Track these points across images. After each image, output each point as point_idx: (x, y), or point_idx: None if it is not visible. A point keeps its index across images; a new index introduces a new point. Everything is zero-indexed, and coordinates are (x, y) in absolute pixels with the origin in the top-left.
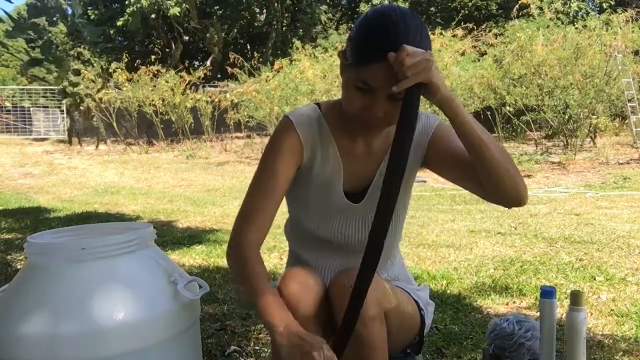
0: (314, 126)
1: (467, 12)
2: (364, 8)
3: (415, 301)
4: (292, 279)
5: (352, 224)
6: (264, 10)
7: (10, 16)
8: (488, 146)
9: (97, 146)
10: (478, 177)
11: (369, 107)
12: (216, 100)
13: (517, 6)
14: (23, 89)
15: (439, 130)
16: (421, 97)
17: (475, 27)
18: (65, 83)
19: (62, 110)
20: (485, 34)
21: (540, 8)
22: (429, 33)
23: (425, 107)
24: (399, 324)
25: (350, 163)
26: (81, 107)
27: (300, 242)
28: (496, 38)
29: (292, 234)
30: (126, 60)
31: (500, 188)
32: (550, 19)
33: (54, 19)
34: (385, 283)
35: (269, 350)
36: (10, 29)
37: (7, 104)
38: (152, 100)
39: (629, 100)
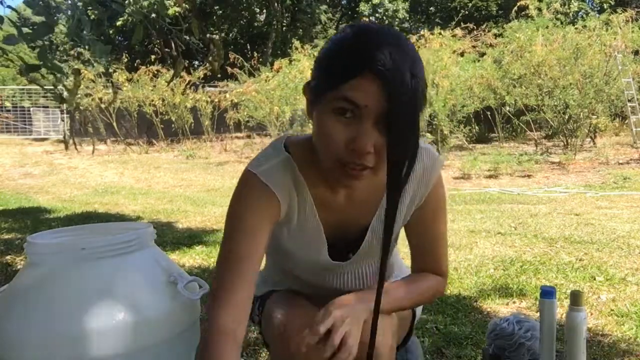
0: (287, 179)
1: (466, 12)
2: (363, 8)
3: None
4: (293, 330)
5: (344, 278)
6: (264, 10)
7: (16, 26)
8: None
9: (93, 152)
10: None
11: (356, 138)
12: (216, 100)
13: (515, 8)
14: (23, 89)
15: (439, 181)
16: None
17: (475, 27)
18: (61, 88)
19: (62, 110)
20: (485, 34)
21: (539, 9)
22: (429, 34)
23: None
24: (398, 331)
25: (333, 216)
26: (77, 114)
27: (287, 279)
28: (496, 38)
29: (276, 272)
30: (126, 60)
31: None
32: (549, 19)
33: (54, 18)
34: (393, 317)
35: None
36: (10, 34)
37: (7, 104)
38: (152, 100)
39: (629, 100)
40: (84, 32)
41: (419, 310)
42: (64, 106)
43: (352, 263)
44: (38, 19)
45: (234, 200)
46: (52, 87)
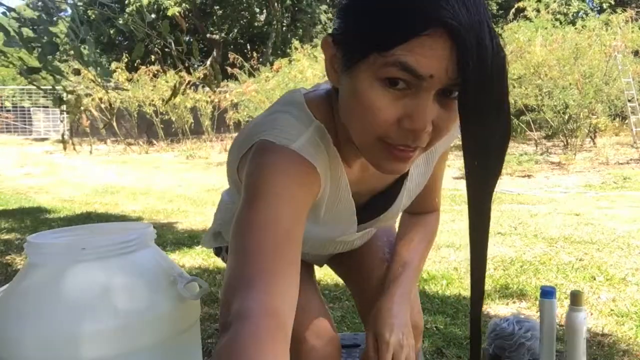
0: (324, 155)
1: None
2: None
3: None
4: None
5: (351, 243)
6: (264, 10)
7: (17, 32)
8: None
9: (90, 152)
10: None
11: (413, 115)
12: (216, 100)
13: (513, 10)
14: (23, 89)
15: (446, 153)
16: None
17: None
18: (60, 88)
19: (62, 111)
20: None
21: (538, 10)
22: None
23: None
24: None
25: (359, 187)
26: (78, 112)
27: None
28: None
29: None
30: (126, 60)
31: None
32: (548, 20)
33: (54, 18)
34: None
35: None
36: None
37: (7, 104)
38: (152, 100)
39: (629, 100)
40: (87, 51)
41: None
42: (64, 107)
43: (367, 225)
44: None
45: (265, 173)
46: (50, 88)
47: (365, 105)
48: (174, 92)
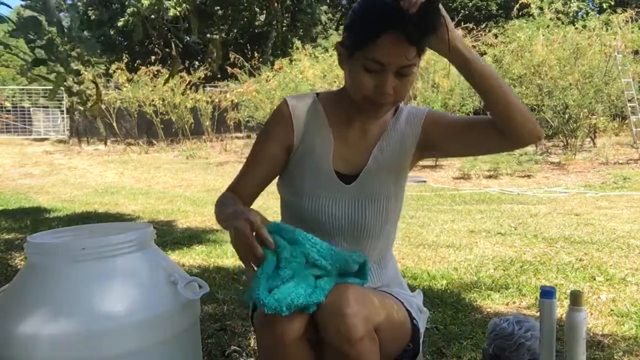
0: (309, 110)
1: (467, 12)
2: None
3: (407, 310)
4: None
5: (341, 204)
6: (264, 10)
7: (15, 24)
8: (502, 88)
9: (105, 143)
10: (487, 133)
11: (380, 85)
12: (216, 100)
13: (517, 6)
14: (23, 89)
15: (431, 116)
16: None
17: (475, 26)
18: (70, 82)
19: (62, 110)
20: (485, 34)
21: (541, 8)
22: None
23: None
24: (390, 334)
25: (344, 147)
26: (86, 106)
27: None
28: (496, 38)
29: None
30: (126, 60)
31: (517, 126)
32: (550, 19)
33: (54, 19)
34: (373, 296)
35: None
36: (13, 28)
37: (7, 104)
38: (152, 101)
39: (629, 100)
40: (72, 30)
41: (422, 327)
42: (65, 103)
43: (354, 188)
44: (29, 13)
45: (266, 121)
46: (61, 82)
47: (355, 81)
48: (172, 72)
